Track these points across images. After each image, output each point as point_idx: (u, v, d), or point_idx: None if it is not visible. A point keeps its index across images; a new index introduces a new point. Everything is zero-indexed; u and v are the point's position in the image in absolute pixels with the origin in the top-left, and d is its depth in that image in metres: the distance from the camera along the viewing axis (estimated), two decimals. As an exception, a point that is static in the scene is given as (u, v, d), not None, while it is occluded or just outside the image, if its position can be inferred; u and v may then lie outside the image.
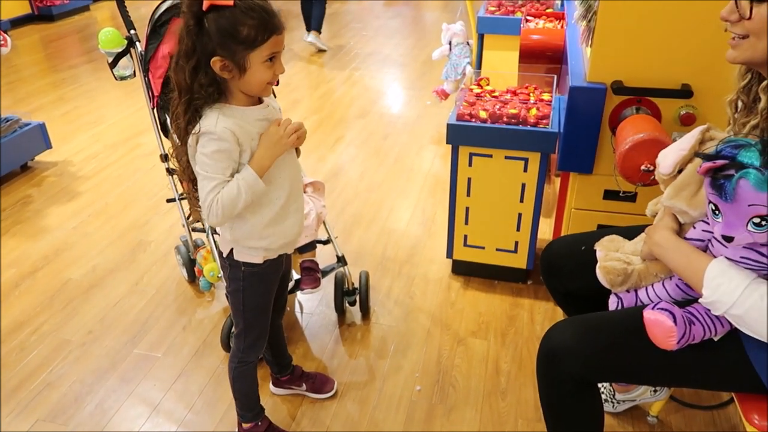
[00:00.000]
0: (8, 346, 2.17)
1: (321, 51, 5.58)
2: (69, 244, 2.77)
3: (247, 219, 1.39)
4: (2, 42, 3.15)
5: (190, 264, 2.40)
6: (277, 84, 1.44)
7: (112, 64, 2.08)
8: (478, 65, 3.43)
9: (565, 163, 1.96)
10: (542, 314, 2.25)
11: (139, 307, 2.35)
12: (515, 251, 2.29)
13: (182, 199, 2.19)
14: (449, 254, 2.39)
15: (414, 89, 4.66)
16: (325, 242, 2.18)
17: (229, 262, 1.48)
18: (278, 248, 1.48)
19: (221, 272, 2.01)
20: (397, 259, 2.60)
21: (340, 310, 2.25)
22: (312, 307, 2.34)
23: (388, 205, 3.04)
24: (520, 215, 2.22)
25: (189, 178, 1.38)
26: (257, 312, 1.57)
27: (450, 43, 3.88)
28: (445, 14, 6.66)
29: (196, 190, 1.36)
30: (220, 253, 1.51)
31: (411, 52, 5.58)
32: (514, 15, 3.33)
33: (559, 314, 2.23)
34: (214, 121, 1.27)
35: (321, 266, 2.16)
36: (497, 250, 2.31)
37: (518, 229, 2.24)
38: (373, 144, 3.73)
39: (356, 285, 2.23)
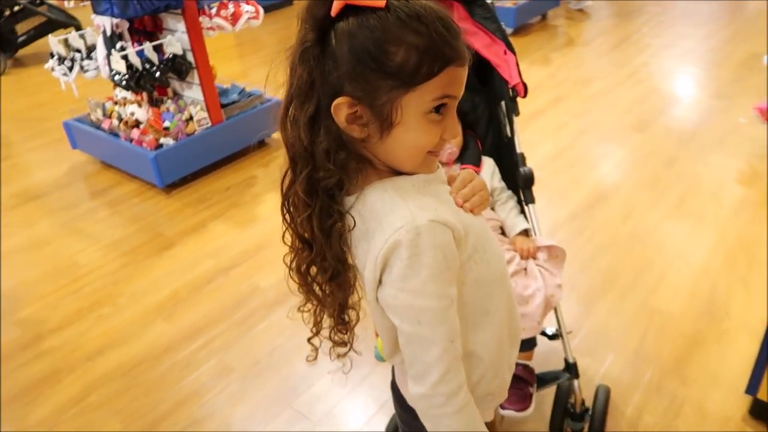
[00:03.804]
0: (176, 357, 1.96)
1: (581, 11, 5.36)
2: (271, 241, 2.52)
3: (485, 344, 0.83)
4: (254, 14, 3.04)
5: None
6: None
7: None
8: None
9: None
10: None
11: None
12: None
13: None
14: (752, 389, 1.50)
15: (723, 99, 3.49)
16: (552, 337, 1.49)
17: None
18: (508, 379, 0.90)
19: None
20: (659, 363, 1.76)
21: (557, 436, 1.55)
22: (513, 424, 1.62)
23: (659, 266, 2.16)
24: None
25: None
26: None
27: (798, 42, 2.71)
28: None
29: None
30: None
31: (725, 47, 4.29)
32: None
33: None
34: (408, 214, 0.70)
35: (537, 371, 1.48)
36: None
37: None
38: (652, 170, 2.81)
39: (587, 405, 1.50)
